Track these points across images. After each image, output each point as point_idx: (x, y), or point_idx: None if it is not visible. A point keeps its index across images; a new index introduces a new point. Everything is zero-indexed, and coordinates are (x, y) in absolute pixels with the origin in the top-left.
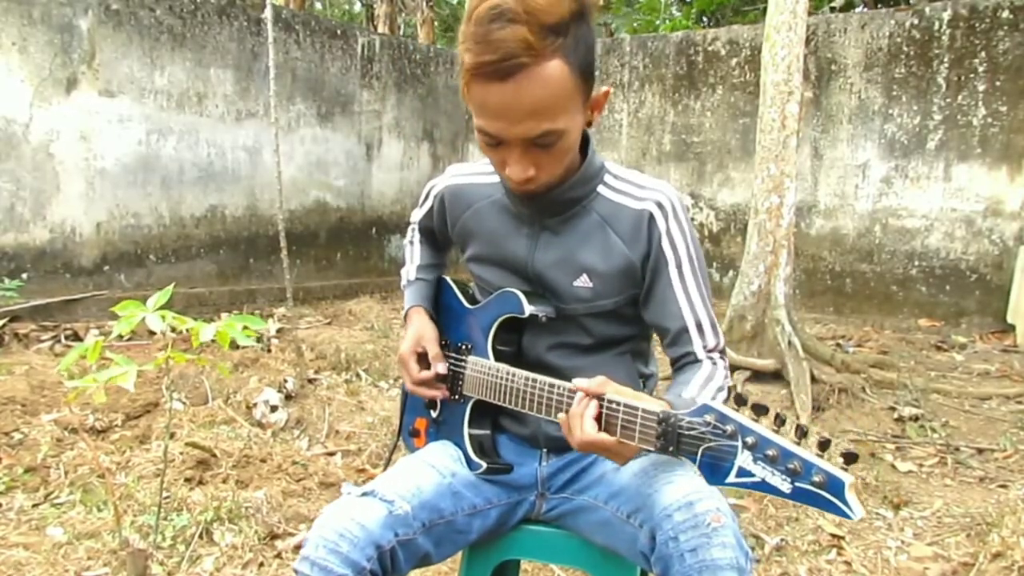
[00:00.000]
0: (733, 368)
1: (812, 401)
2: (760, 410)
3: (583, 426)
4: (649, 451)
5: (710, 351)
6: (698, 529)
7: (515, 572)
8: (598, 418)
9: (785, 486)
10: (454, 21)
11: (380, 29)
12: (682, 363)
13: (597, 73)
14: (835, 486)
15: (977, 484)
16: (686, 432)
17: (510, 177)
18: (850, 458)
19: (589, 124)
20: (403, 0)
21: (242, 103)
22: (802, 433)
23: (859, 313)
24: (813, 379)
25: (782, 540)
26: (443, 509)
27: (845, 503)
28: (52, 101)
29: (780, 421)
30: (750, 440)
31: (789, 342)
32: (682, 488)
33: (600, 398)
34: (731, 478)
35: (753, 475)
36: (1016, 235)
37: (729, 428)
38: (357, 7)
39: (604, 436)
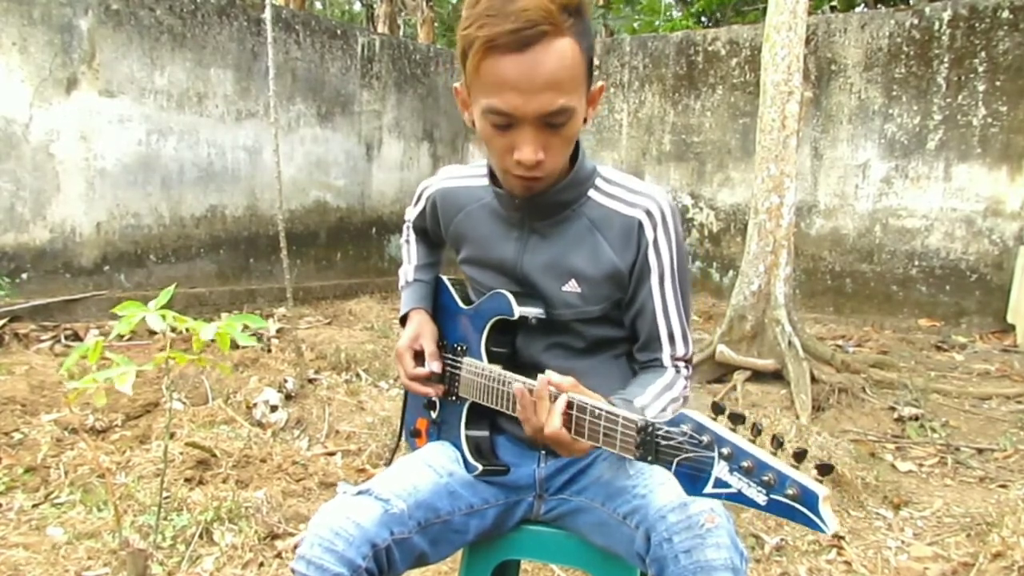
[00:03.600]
0: (733, 367)
1: (812, 401)
2: (737, 419)
3: (552, 420)
4: (624, 456)
5: (677, 359)
6: (692, 530)
7: (515, 572)
8: (571, 419)
9: (761, 498)
10: (454, 21)
11: (380, 29)
12: (647, 366)
13: (596, 72)
14: (809, 499)
15: (977, 484)
16: (663, 442)
17: (520, 161)
18: (824, 470)
19: (585, 121)
20: (403, 0)
21: (242, 103)
22: (778, 444)
23: (859, 313)
24: (813, 379)
25: (782, 540)
26: (439, 509)
27: (819, 516)
28: (52, 101)
29: (756, 431)
30: (726, 451)
31: (789, 342)
32: (676, 489)
33: (569, 399)
34: (708, 488)
35: (730, 486)
36: (1016, 235)
37: (705, 438)
38: (357, 7)
39: (564, 432)
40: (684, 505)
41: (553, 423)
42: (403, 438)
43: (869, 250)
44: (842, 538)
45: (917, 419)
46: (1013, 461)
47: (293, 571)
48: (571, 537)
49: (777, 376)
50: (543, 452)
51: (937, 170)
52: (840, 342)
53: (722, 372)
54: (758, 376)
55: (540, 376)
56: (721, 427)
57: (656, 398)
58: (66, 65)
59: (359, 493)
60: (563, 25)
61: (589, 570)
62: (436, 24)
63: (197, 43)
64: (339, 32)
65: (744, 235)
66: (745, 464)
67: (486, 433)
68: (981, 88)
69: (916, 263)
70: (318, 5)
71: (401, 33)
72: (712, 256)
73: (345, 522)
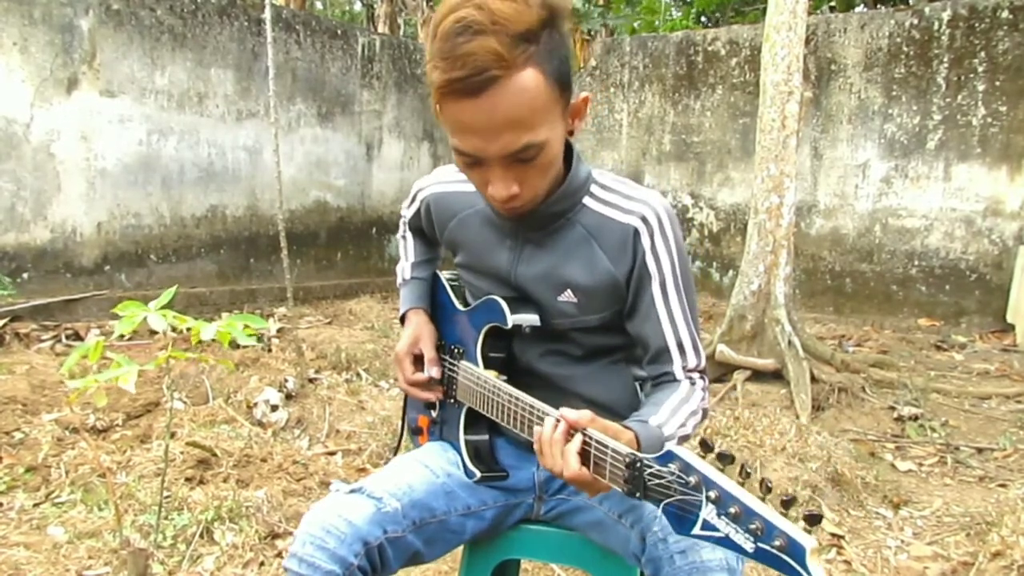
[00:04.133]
0: (733, 367)
1: (812, 401)
2: (726, 459)
3: (568, 461)
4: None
5: (689, 371)
6: None
7: (515, 571)
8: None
9: (748, 545)
10: None
11: (380, 29)
12: (659, 381)
13: (597, 72)
14: (796, 551)
15: (977, 483)
16: (652, 481)
17: (493, 197)
18: (813, 520)
19: (571, 133)
20: (403, 0)
21: (242, 103)
22: (767, 489)
23: (859, 313)
24: (813, 379)
25: None
26: (435, 508)
27: (806, 570)
28: (53, 101)
29: (745, 474)
30: (713, 494)
31: (789, 342)
32: None
33: (583, 431)
34: (696, 530)
35: (718, 530)
36: (1016, 235)
37: (693, 479)
38: (357, 7)
39: (585, 471)
40: None
41: (571, 466)
42: (405, 436)
43: (869, 250)
44: (842, 537)
45: (917, 419)
46: (1013, 460)
47: (286, 569)
48: (571, 536)
49: (777, 376)
50: None
51: (937, 170)
52: (840, 342)
53: (722, 372)
54: (758, 376)
55: (549, 416)
56: (710, 467)
57: (673, 414)
58: (67, 65)
59: (352, 491)
60: (517, 60)
61: (589, 569)
62: None
63: (197, 43)
64: (339, 32)
65: (744, 235)
66: (732, 510)
67: (485, 437)
68: (981, 88)
69: (916, 263)
70: (318, 5)
71: (401, 33)
72: (712, 256)
73: (337, 520)
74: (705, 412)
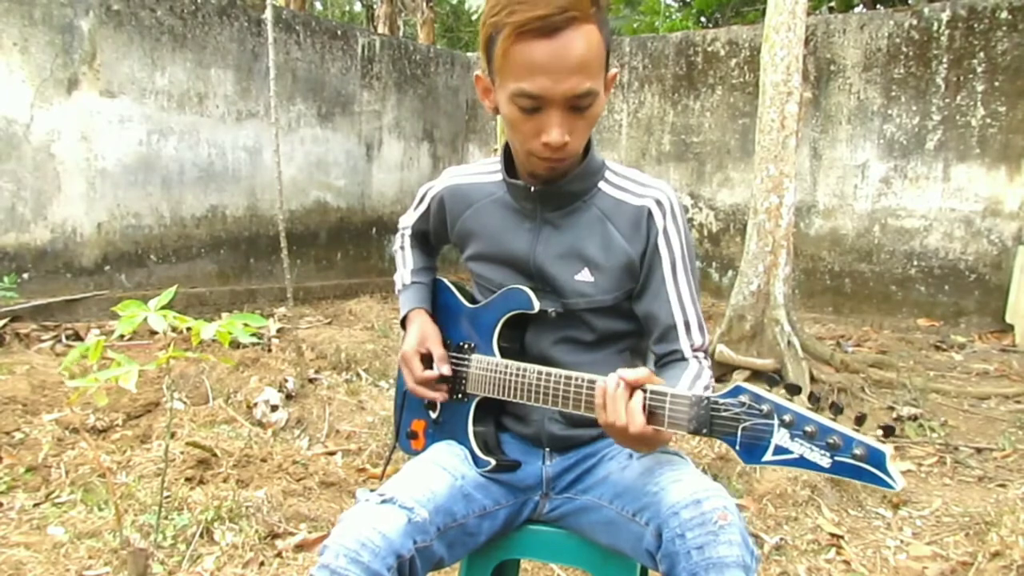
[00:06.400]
0: (732, 367)
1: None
2: (793, 390)
3: (634, 418)
4: (682, 432)
5: (696, 350)
6: (705, 527)
7: (515, 572)
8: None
9: (824, 461)
10: (454, 21)
11: (380, 29)
12: (668, 360)
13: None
14: (876, 458)
15: (976, 483)
16: (721, 413)
17: (547, 143)
18: (889, 431)
19: None
20: (403, 0)
21: (242, 103)
22: (837, 410)
23: (858, 313)
24: (812, 379)
25: (781, 539)
26: (456, 512)
27: (887, 474)
28: (53, 101)
29: (815, 399)
30: (787, 418)
31: (788, 342)
32: (689, 486)
33: (644, 389)
34: (768, 456)
35: (791, 452)
36: (1015, 235)
37: (765, 407)
38: (357, 7)
39: (649, 428)
40: (698, 502)
41: (636, 422)
42: (398, 441)
43: (868, 250)
44: (841, 537)
45: (916, 419)
46: (1012, 460)
47: None
48: (571, 536)
49: (777, 376)
50: (548, 450)
51: (936, 170)
52: (839, 342)
53: (721, 372)
54: (757, 376)
55: (611, 375)
56: (779, 397)
57: (691, 388)
58: (67, 65)
59: (383, 501)
60: (588, 12)
61: (589, 569)
62: (436, 24)
63: (198, 43)
64: (339, 32)
65: (743, 235)
66: (808, 429)
67: (492, 430)
68: (980, 88)
69: (915, 263)
70: (318, 5)
71: (401, 34)
72: (712, 256)
73: (371, 532)
74: (714, 390)
